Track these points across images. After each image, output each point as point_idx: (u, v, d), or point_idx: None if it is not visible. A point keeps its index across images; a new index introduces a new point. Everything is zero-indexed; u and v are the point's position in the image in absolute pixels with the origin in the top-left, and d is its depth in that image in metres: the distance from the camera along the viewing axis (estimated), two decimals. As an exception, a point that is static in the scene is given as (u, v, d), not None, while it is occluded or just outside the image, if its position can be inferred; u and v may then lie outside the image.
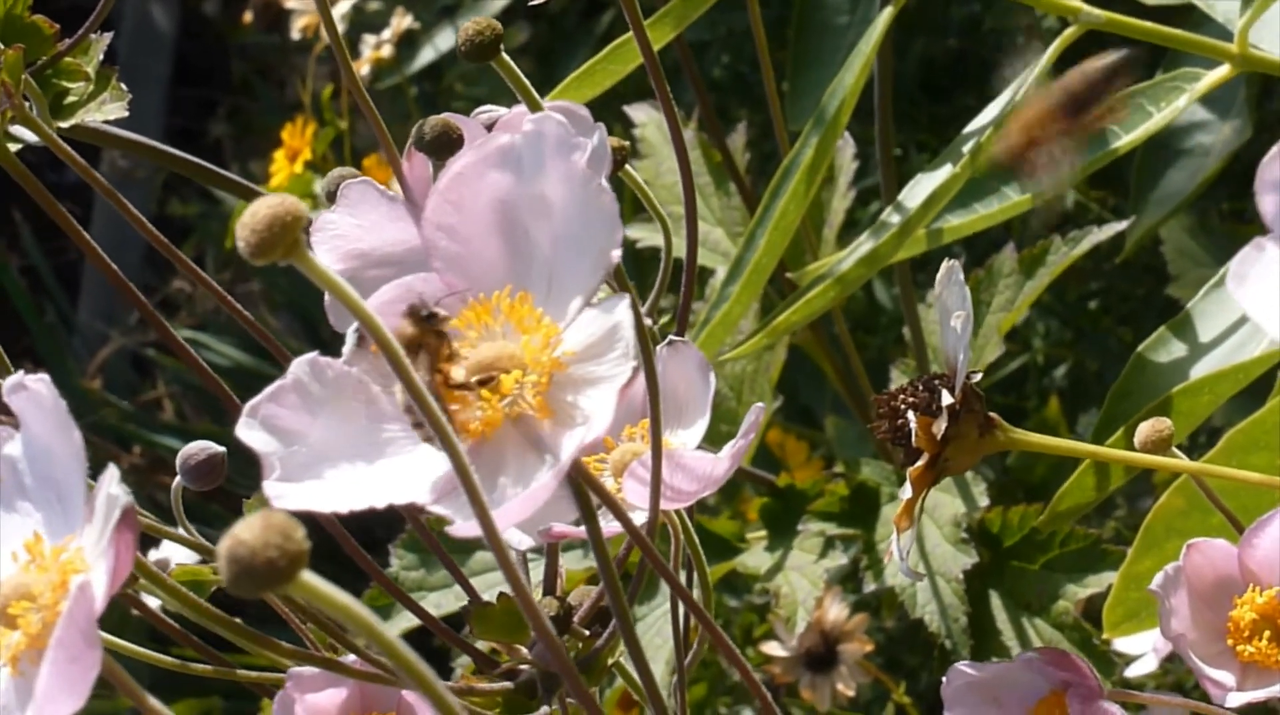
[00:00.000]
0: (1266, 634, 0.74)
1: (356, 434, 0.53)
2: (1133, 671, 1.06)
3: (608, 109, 1.30)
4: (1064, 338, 1.81)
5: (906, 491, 0.75)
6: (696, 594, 1.16)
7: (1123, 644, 1.06)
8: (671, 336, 0.81)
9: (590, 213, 0.52)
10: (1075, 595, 1.13)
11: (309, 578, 0.42)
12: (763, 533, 1.21)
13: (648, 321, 0.88)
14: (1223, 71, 1.00)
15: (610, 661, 0.78)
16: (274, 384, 0.53)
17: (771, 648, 1.45)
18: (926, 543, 1.14)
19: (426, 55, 2.00)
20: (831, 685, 1.42)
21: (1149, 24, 1.01)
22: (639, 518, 0.74)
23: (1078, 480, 0.98)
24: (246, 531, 0.41)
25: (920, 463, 0.75)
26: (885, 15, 1.02)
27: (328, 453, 0.52)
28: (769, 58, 1.19)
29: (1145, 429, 0.76)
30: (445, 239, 0.54)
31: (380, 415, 0.53)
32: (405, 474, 0.53)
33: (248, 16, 1.84)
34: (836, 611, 1.44)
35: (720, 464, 0.73)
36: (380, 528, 1.37)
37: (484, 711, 0.77)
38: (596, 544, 0.56)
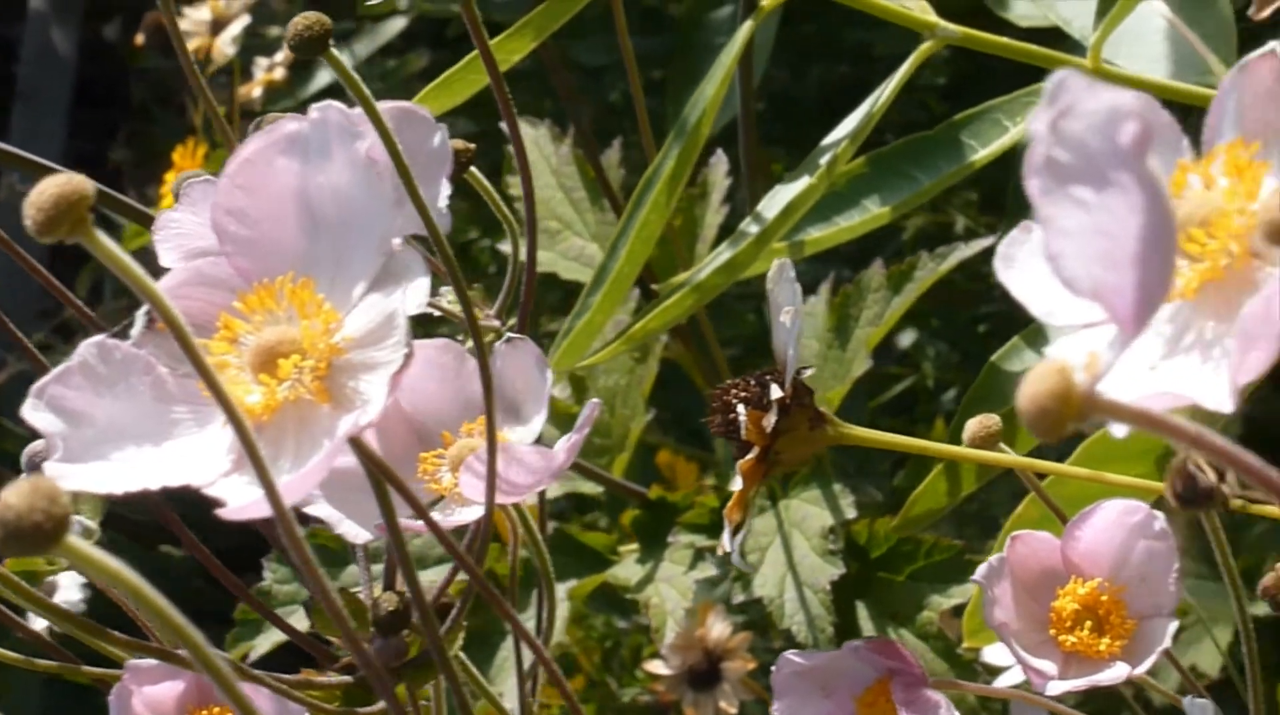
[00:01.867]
0: (1088, 624, 0.76)
1: (143, 415, 0.54)
2: (1001, 683, 1.06)
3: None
4: (953, 360, 1.83)
5: (737, 483, 0.76)
6: (559, 612, 1.17)
7: (990, 655, 1.07)
8: (509, 333, 0.81)
9: (371, 199, 0.53)
10: (940, 605, 1.14)
11: (74, 542, 0.42)
12: (635, 546, 1.22)
13: (495, 322, 0.89)
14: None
15: (451, 654, 0.78)
16: (61, 366, 0.53)
17: (656, 666, 1.45)
18: (795, 554, 1.15)
19: (322, 79, 2.01)
20: (714, 703, 1.43)
21: (1004, 39, 1.03)
22: (478, 511, 0.75)
23: (930, 486, 1.00)
24: (14, 496, 0.41)
25: (751, 456, 0.76)
26: (744, 29, 1.03)
27: (114, 434, 0.53)
28: (638, 80, 1.20)
29: (973, 425, 0.77)
30: (234, 223, 0.55)
31: (167, 396, 0.54)
32: (191, 455, 0.53)
33: (140, 39, 1.84)
34: (720, 630, 1.45)
35: (555, 457, 0.74)
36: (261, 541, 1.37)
37: (324, 705, 0.77)
38: (394, 532, 0.56)
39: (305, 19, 0.70)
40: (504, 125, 1.29)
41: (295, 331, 0.53)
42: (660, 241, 1.26)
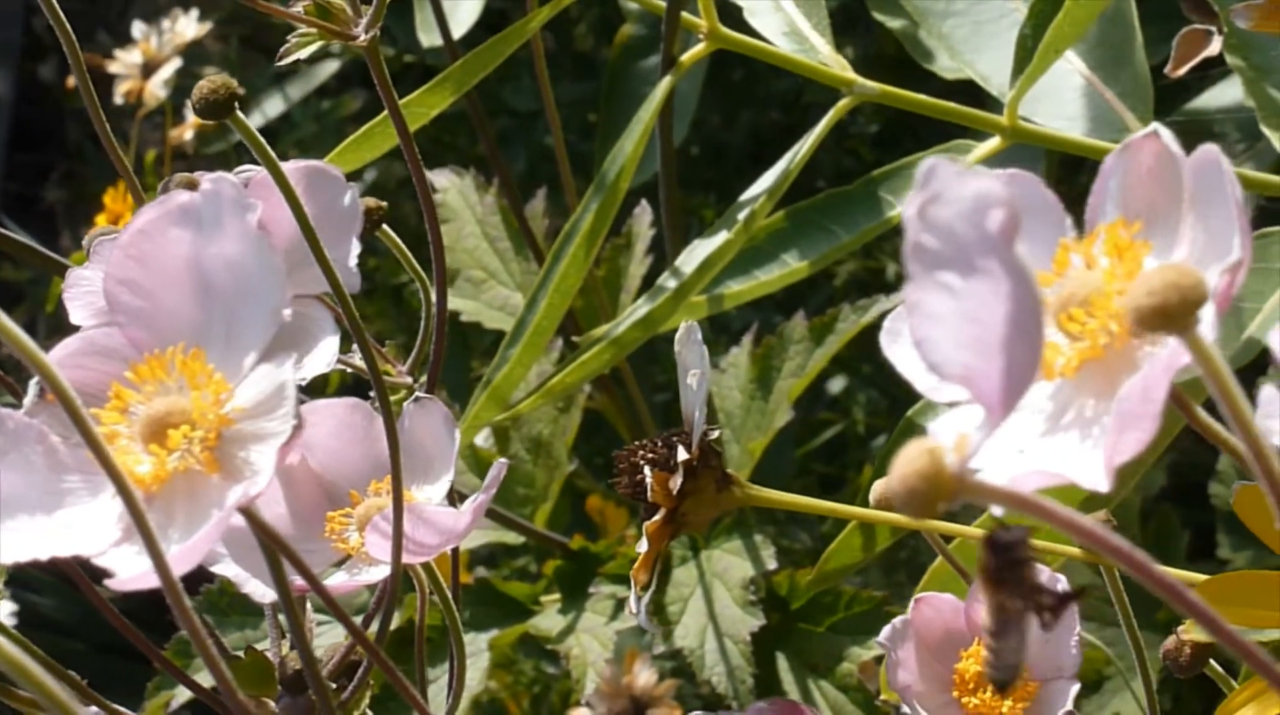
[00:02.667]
0: (990, 686, 0.76)
1: (36, 485, 0.53)
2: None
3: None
4: (883, 406, 1.83)
5: (643, 545, 0.76)
6: (479, 663, 1.17)
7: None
8: (418, 393, 0.82)
9: (263, 270, 0.53)
10: (859, 657, 1.15)
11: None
12: (557, 595, 1.22)
13: (407, 379, 0.90)
14: (993, 144, 1.02)
15: (355, 714, 0.79)
16: (-46, 436, 0.53)
17: (582, 714, 1.45)
18: (716, 605, 1.16)
19: (254, 121, 2.01)
20: (640, 750, 1.43)
21: (920, 97, 1.04)
22: (385, 571, 0.75)
23: (844, 540, 1.00)
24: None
25: (657, 517, 0.76)
26: (663, 85, 1.03)
27: (7, 503, 0.53)
28: (560, 133, 1.20)
29: (879, 486, 0.77)
30: (127, 293, 0.55)
31: (60, 466, 0.54)
32: (82, 524, 0.53)
33: (71, 82, 1.84)
34: (646, 677, 1.45)
35: (462, 518, 0.74)
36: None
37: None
38: (285, 599, 0.56)
39: (211, 83, 0.70)
40: (431, 173, 1.30)
41: (186, 402, 0.53)
42: (585, 291, 1.27)
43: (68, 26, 0.79)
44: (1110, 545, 0.41)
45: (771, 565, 1.15)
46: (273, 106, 2.03)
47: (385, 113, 0.98)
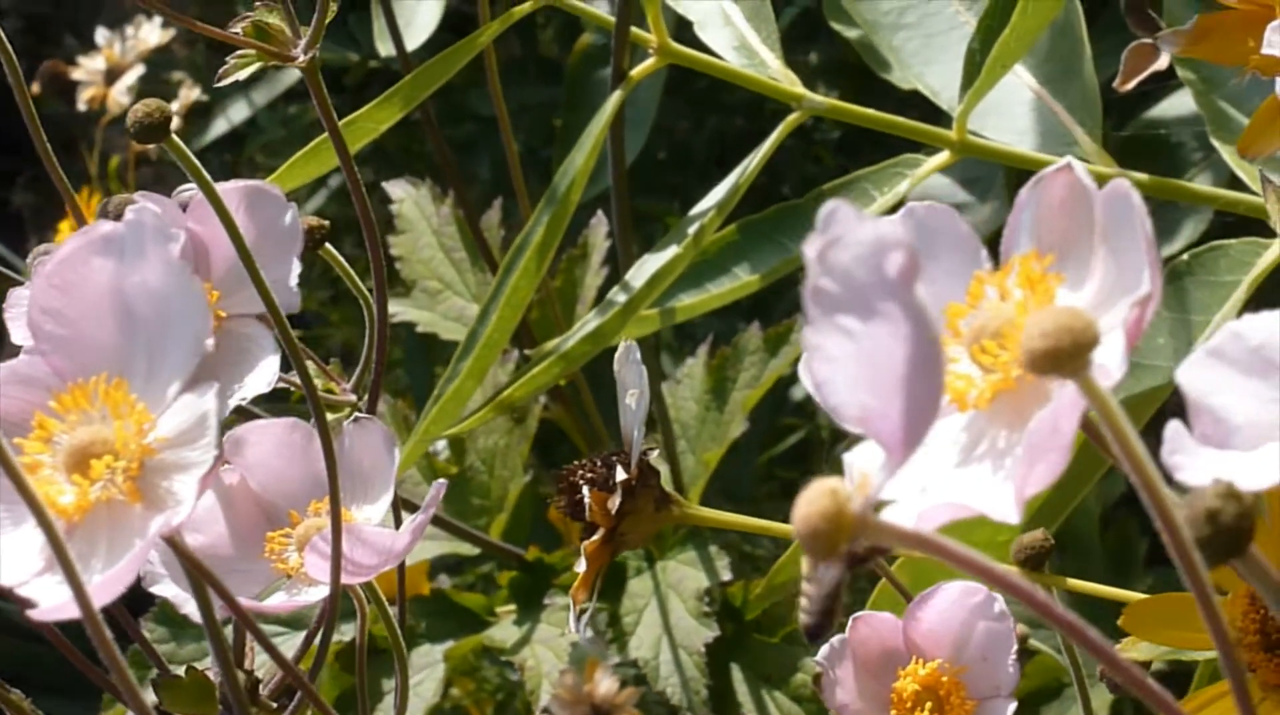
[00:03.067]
0: (929, 705, 0.76)
1: (-43, 515, 0.54)
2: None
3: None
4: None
5: (581, 565, 0.76)
6: (435, 674, 1.17)
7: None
8: (358, 413, 0.82)
9: (185, 300, 0.53)
10: (813, 668, 1.14)
11: None
12: (513, 606, 1.22)
13: (352, 396, 0.90)
14: (942, 158, 1.02)
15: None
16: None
17: (543, 722, 1.45)
18: (670, 616, 1.16)
19: (219, 127, 2.01)
20: (601, 757, 1.43)
21: (869, 111, 1.04)
22: (324, 591, 0.75)
23: (794, 553, 1.00)
24: None
25: (596, 537, 0.76)
26: (613, 99, 1.03)
27: (-70, 532, 0.53)
28: (514, 145, 1.20)
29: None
30: (51, 323, 0.55)
31: (-19, 496, 0.54)
32: (5, 554, 0.54)
33: (35, 88, 1.83)
34: (607, 685, 1.45)
35: (400, 539, 0.74)
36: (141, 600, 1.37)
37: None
38: (210, 624, 0.57)
39: (145, 106, 0.70)
40: (388, 184, 1.30)
41: (109, 432, 0.53)
42: (541, 303, 1.27)
43: (8, 46, 0.79)
44: (1006, 584, 0.41)
45: (726, 576, 1.15)
46: (238, 112, 2.03)
47: (321, 137, 0.98)
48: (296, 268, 0.78)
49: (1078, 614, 1.03)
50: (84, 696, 1.18)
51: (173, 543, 0.55)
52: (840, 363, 0.41)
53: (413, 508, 0.80)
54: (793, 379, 1.86)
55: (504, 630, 1.20)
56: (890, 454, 0.41)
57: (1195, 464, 0.44)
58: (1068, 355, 0.41)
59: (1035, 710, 1.37)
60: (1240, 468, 0.44)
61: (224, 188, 0.77)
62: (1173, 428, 0.45)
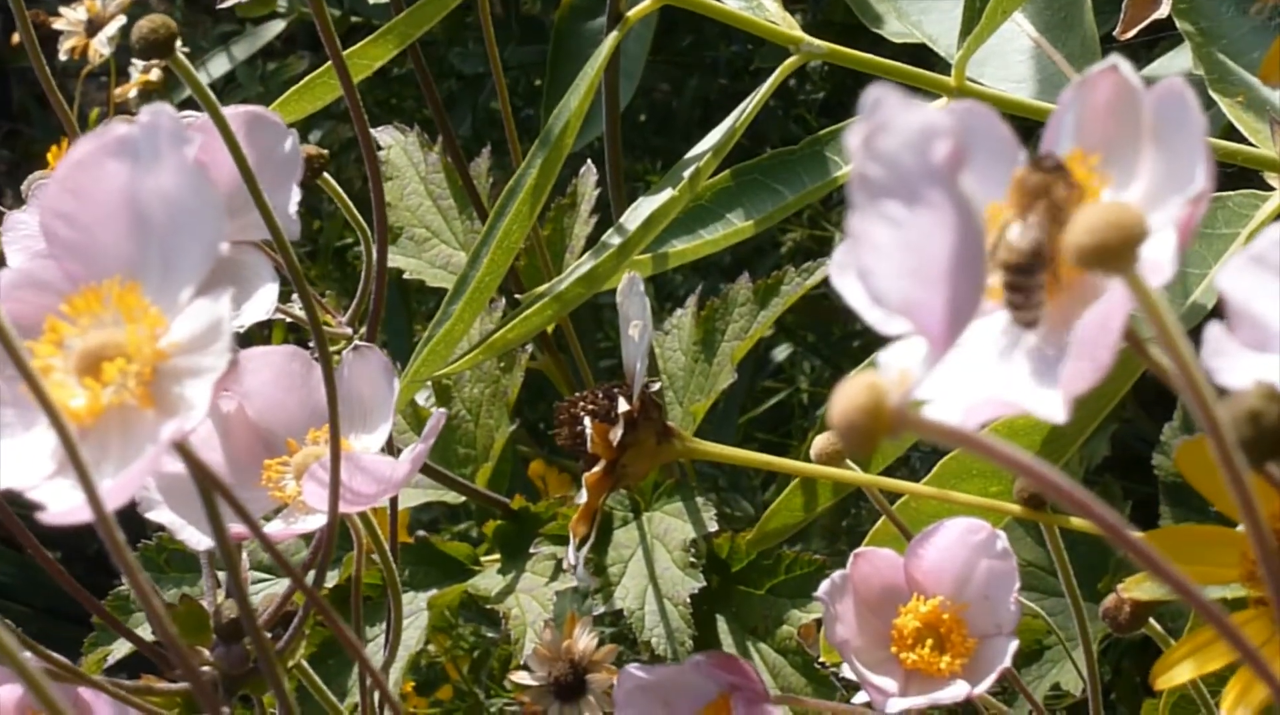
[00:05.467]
0: (929, 642, 0.76)
1: (-33, 419, 0.53)
2: (860, 699, 1.07)
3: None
4: (826, 375, 1.83)
5: (582, 496, 0.76)
6: (418, 622, 1.16)
7: (849, 670, 1.08)
8: (357, 342, 0.81)
9: (200, 204, 0.53)
10: (799, 620, 1.14)
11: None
12: (497, 555, 1.21)
13: (347, 330, 0.89)
14: (939, 105, 1.01)
15: (290, 664, 0.78)
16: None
17: (521, 677, 1.44)
18: (656, 566, 1.15)
19: (199, 79, 1.99)
20: (579, 714, 1.42)
21: (869, 56, 1.03)
22: (322, 520, 0.74)
23: (785, 500, 1.00)
24: None
25: (597, 469, 0.76)
26: (609, 41, 1.02)
27: (-62, 437, 0.52)
28: (506, 92, 1.19)
29: (820, 441, 0.77)
30: (64, 227, 0.54)
31: (-8, 399, 0.53)
32: (15, 457, 0.53)
33: (15, 38, 1.82)
34: (586, 642, 1.44)
35: (400, 467, 0.74)
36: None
37: (163, 711, 0.77)
38: (222, 542, 0.56)
39: (151, 22, 0.69)
40: (375, 131, 1.29)
41: (121, 336, 0.52)
42: (529, 251, 1.26)
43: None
44: (1051, 482, 0.40)
45: (712, 527, 1.15)
46: (217, 67, 2.02)
47: (322, 68, 0.97)
48: (296, 195, 0.77)
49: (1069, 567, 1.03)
50: (62, 653, 1.18)
51: (184, 451, 0.54)
52: (884, 251, 0.40)
53: (397, 455, 0.80)
54: (774, 342, 1.86)
55: (488, 579, 1.19)
56: (933, 345, 0.41)
57: (1237, 366, 0.44)
58: (1116, 251, 0.40)
59: (1016, 671, 1.37)
60: (1282, 372, 0.44)
61: (226, 112, 0.76)
62: (1215, 331, 0.44)
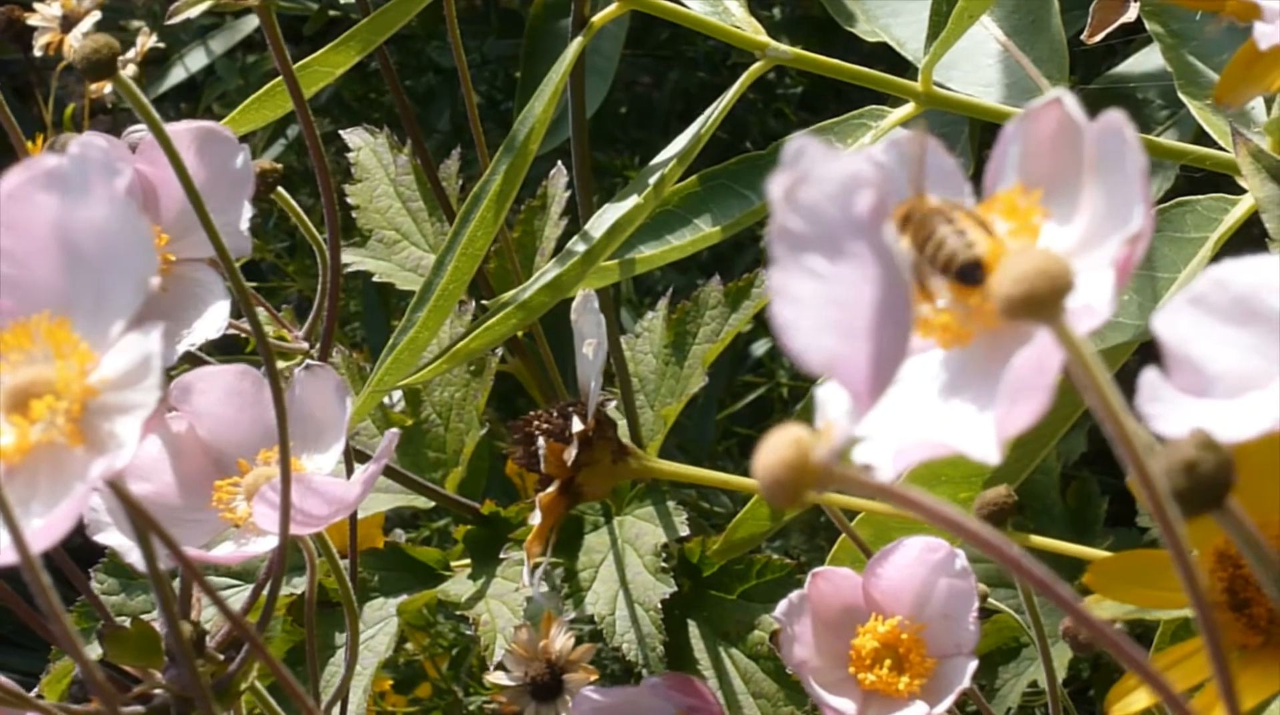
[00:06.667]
0: (888, 662, 0.75)
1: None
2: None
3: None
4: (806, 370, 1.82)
5: (536, 517, 0.75)
6: (388, 628, 1.16)
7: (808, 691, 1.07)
8: (309, 361, 0.80)
9: (130, 237, 0.52)
10: (771, 625, 1.14)
11: None
12: (468, 560, 1.21)
13: (303, 344, 0.88)
14: (907, 109, 1.01)
15: (244, 686, 0.77)
16: None
17: (498, 677, 1.44)
18: (627, 571, 1.15)
19: (176, 75, 1.99)
20: (556, 714, 1.42)
21: (833, 61, 1.02)
22: (273, 542, 0.73)
23: (751, 510, 0.99)
24: None
25: (552, 489, 0.75)
26: (574, 46, 1.02)
27: None
28: (473, 95, 1.19)
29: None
30: (-6, 260, 0.53)
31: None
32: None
33: (-12, 32, 1.80)
34: (563, 641, 1.44)
35: (352, 489, 0.73)
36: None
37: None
38: (154, 574, 0.55)
39: (93, 42, 0.68)
40: (345, 132, 1.28)
41: (50, 372, 0.52)
42: (499, 253, 1.25)
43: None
44: (976, 537, 0.40)
45: (684, 532, 1.14)
46: (195, 60, 2.01)
47: (275, 81, 0.96)
48: (248, 211, 0.77)
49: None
50: (41, 649, 1.17)
51: (115, 488, 0.53)
52: (806, 305, 0.39)
53: (367, 460, 0.79)
54: (753, 336, 1.85)
55: (459, 584, 1.18)
56: (857, 400, 0.40)
57: (1172, 413, 0.43)
58: (1042, 301, 0.39)
59: (993, 670, 1.37)
60: (1219, 418, 0.43)
61: (174, 128, 0.75)
62: (1150, 376, 0.44)
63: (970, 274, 0.47)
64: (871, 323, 0.39)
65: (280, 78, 1.00)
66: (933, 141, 0.51)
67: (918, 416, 0.47)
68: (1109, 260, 0.46)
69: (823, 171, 0.39)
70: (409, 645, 1.66)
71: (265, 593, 0.77)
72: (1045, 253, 0.40)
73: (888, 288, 0.38)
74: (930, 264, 0.49)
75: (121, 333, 0.52)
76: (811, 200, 0.39)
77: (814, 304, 0.39)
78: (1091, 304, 0.45)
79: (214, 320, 0.76)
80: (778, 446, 0.39)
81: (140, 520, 0.54)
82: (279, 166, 0.81)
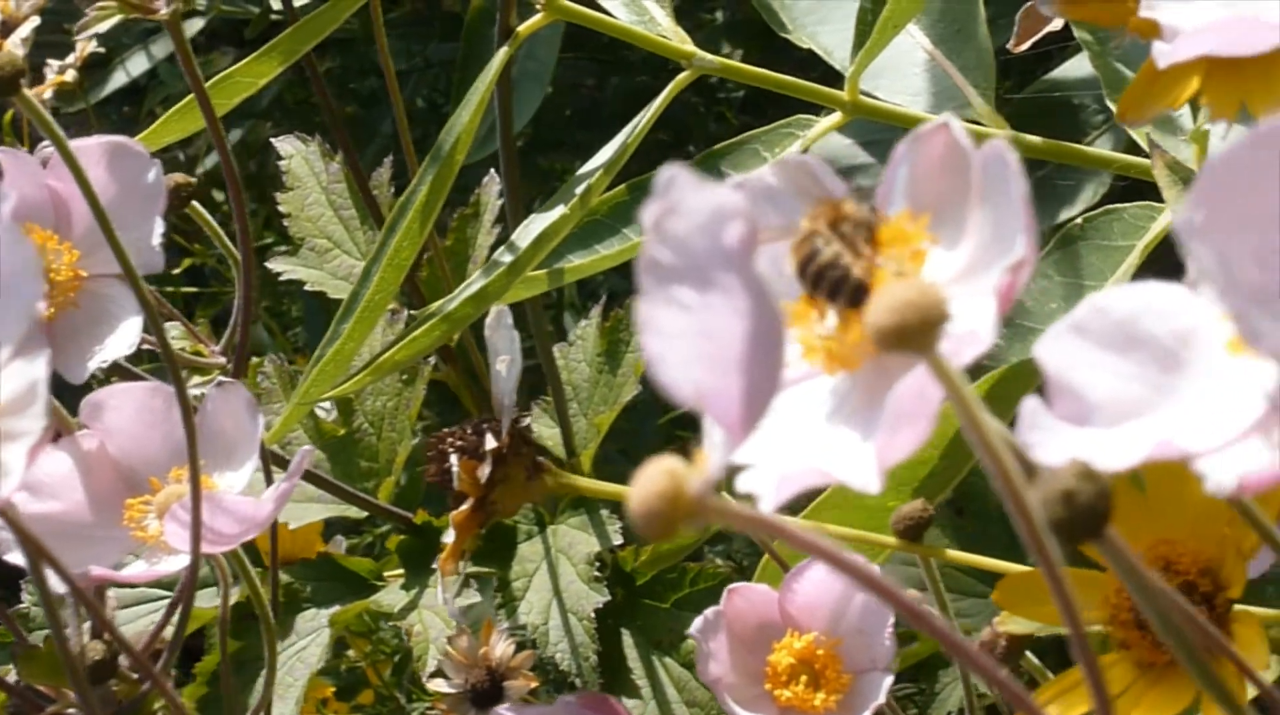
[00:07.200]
0: (803, 678, 0.75)
1: None
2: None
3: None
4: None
5: (450, 536, 0.75)
6: (320, 640, 1.15)
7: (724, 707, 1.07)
8: (221, 378, 0.80)
9: (16, 263, 0.51)
10: (705, 633, 1.13)
11: None
12: (401, 571, 1.20)
13: (220, 359, 0.87)
14: (834, 118, 1.01)
15: (156, 706, 0.77)
16: None
17: (438, 684, 1.43)
18: (561, 580, 1.14)
19: (118, 79, 1.97)
20: (495, 721, 1.41)
21: (760, 70, 1.02)
22: (185, 560, 0.73)
23: (679, 521, 0.98)
24: None
25: (465, 507, 0.75)
26: (500, 56, 1.01)
27: None
28: (402, 106, 1.18)
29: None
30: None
31: None
32: None
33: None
34: (503, 648, 1.43)
35: (263, 507, 0.73)
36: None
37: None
38: (44, 599, 0.55)
39: (-4, 58, 0.68)
40: (276, 140, 1.28)
41: (-64, 400, 0.51)
42: (431, 261, 1.25)
43: None
44: (852, 570, 0.39)
45: (617, 540, 1.14)
46: (136, 65, 2.00)
47: (209, 83, 0.96)
48: (159, 227, 0.76)
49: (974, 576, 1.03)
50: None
51: (5, 516, 0.53)
52: (675, 338, 0.39)
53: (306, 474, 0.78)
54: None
55: (392, 595, 1.18)
56: (729, 433, 0.39)
57: (1052, 442, 0.43)
58: (914, 332, 0.39)
59: (933, 674, 1.37)
60: (1099, 447, 0.43)
61: (84, 143, 0.75)
62: (1029, 404, 0.43)
63: (852, 298, 0.47)
64: (742, 355, 0.38)
65: (186, 99, 0.99)
66: (821, 166, 0.51)
67: (802, 443, 0.47)
68: (991, 288, 0.45)
69: (692, 202, 0.39)
70: (350, 652, 1.65)
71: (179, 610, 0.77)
72: (919, 284, 0.39)
73: (758, 319, 0.38)
74: (815, 286, 0.49)
75: (8, 360, 0.52)
76: (680, 231, 0.39)
77: (683, 336, 0.39)
78: (975, 330, 0.44)
79: (126, 336, 0.76)
80: (651, 478, 0.39)
81: (28, 545, 0.54)
82: (193, 180, 0.81)
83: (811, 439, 0.48)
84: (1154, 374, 0.44)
